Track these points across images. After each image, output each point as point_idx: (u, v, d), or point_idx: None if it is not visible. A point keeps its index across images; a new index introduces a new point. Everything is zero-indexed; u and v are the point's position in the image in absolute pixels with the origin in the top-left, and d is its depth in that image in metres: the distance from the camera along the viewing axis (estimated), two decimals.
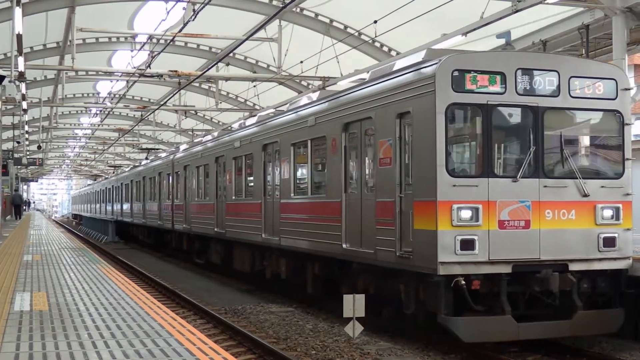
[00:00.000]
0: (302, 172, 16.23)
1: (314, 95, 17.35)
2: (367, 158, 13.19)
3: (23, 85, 24.59)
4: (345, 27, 24.58)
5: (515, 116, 11.74)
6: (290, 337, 13.10)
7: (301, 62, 23.53)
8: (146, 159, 43.34)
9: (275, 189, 17.23)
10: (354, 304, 11.54)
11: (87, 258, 18.76)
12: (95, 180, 77.90)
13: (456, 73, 11.02)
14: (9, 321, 8.88)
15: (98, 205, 58.68)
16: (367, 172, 13.17)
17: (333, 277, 14.68)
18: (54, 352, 7.21)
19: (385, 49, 24.86)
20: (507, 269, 10.97)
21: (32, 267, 15.75)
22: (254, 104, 33.38)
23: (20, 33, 17.49)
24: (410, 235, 11.42)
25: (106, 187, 53.31)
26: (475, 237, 10.86)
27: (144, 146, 52.00)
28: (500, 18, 15.42)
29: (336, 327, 13.61)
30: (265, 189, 17.90)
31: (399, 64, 13.00)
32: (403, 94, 11.81)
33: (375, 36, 19.93)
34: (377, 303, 12.75)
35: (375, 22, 18.43)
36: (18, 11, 16.64)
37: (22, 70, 20.89)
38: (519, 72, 11.36)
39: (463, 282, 10.65)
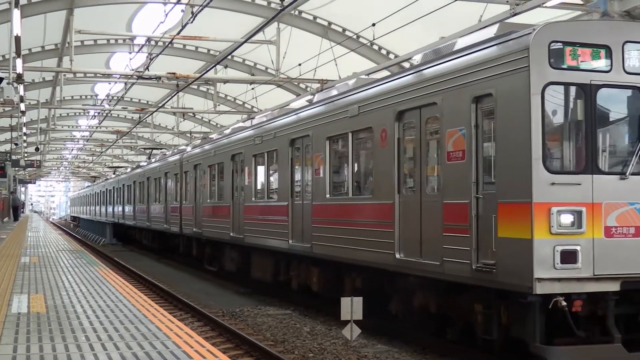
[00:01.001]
0: (341, 169, 14.46)
1: (350, 84, 15.09)
2: (429, 152, 11.33)
3: (21, 87, 24.57)
4: (344, 29, 24.60)
5: (623, 99, 9.86)
6: (287, 339, 13.09)
7: (299, 64, 23.54)
8: (149, 159, 41.91)
9: (305, 190, 15.39)
10: (351, 307, 11.53)
11: (84, 260, 18.75)
12: (94, 181, 76.15)
13: (555, 45, 9.18)
14: (7, 323, 8.87)
15: (98, 208, 56.76)
16: (429, 168, 11.19)
17: (380, 292, 12.66)
18: (52, 354, 7.21)
19: (383, 51, 24.88)
20: (615, 287, 9.20)
21: (30, 270, 15.74)
22: (252, 107, 33.36)
23: (19, 35, 17.48)
24: (492, 244, 9.63)
25: (106, 189, 51.43)
26: (578, 248, 9.08)
27: (143, 148, 51.26)
28: (499, 21, 15.42)
29: (334, 329, 13.61)
30: (293, 190, 16.04)
31: (462, 42, 11.35)
32: (481, 72, 9.91)
33: (374, 39, 19.90)
34: (439, 323, 11.40)
35: (374, 25, 18.44)
36: (16, 13, 16.64)
37: (20, 72, 20.88)
38: (627, 46, 9.46)
39: (564, 303, 8.89)
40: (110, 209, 48.42)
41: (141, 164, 43.14)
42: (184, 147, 33.78)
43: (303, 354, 11.94)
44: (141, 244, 38.44)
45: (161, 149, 44.78)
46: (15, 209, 56.30)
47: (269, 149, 17.61)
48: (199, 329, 14.05)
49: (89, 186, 77.26)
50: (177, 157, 28.44)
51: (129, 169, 46.89)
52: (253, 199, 18.67)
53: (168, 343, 7.75)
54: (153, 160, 37.58)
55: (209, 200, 22.85)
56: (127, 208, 40.72)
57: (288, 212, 16.12)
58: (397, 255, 11.53)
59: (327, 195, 14.32)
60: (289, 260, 16.65)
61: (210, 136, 29.78)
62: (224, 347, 12.32)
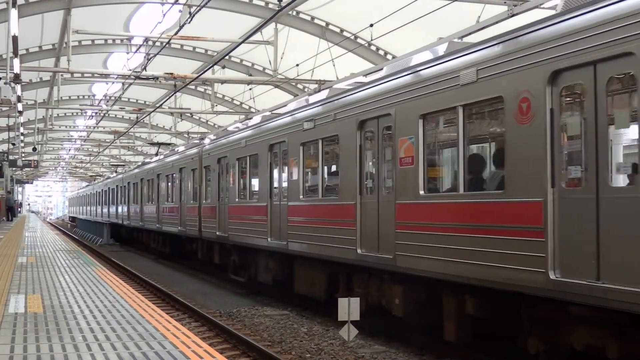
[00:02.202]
0: (444, 156, 11.62)
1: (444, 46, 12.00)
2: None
3: (18, 87, 24.53)
4: (341, 30, 24.60)
5: None
6: (285, 340, 13.09)
7: (297, 65, 23.52)
8: (156, 154, 38.74)
9: (383, 185, 12.24)
10: (349, 308, 11.53)
11: (82, 260, 18.73)
12: (94, 180, 73.65)
13: None
14: (3, 323, 8.86)
15: (99, 208, 54.04)
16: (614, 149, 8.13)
17: (508, 322, 9.85)
18: (48, 354, 7.20)
19: (381, 52, 24.90)
20: None
21: (27, 270, 15.73)
22: (250, 107, 33.36)
23: (16, 35, 17.46)
24: None
25: (109, 188, 48.73)
26: None
27: (150, 143, 46.63)
28: (497, 22, 15.44)
29: (331, 330, 13.61)
30: (362, 185, 12.80)
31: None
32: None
33: (371, 40, 19.88)
34: None
35: (372, 25, 18.43)
36: (14, 13, 16.63)
37: (18, 72, 20.85)
38: None
39: None
40: (113, 209, 45.97)
41: (147, 160, 40.59)
42: (198, 139, 29.98)
43: (300, 354, 11.94)
44: (148, 247, 35.99)
45: (170, 144, 42.00)
46: (9, 209, 56.23)
47: (326, 135, 14.30)
48: (196, 329, 14.05)
49: (88, 185, 75.00)
50: (194, 150, 25.22)
51: (133, 166, 44.13)
52: (301, 197, 15.40)
53: (165, 343, 7.75)
54: (163, 155, 34.10)
55: (237, 200, 19.81)
56: (133, 208, 38.01)
57: (355, 213, 12.80)
58: (553, 276, 8.30)
59: (422, 192, 11.02)
60: (353, 274, 13.50)
61: (233, 126, 26.42)
62: (221, 348, 12.33)
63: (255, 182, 19.00)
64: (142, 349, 7.42)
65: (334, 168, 14.68)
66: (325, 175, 14.98)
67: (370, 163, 12.84)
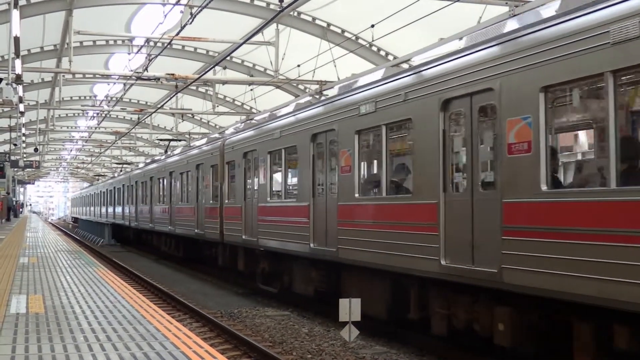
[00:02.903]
0: (582, 141, 9.71)
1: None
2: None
3: (20, 88, 24.56)
4: (343, 31, 24.62)
5: None
6: (286, 340, 13.10)
7: (298, 66, 23.54)
8: (166, 152, 36.87)
9: (477, 179, 9.80)
10: (349, 308, 11.54)
11: (83, 261, 18.75)
12: (97, 180, 70.99)
13: None
14: (5, 324, 8.88)
15: (104, 209, 51.64)
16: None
17: None
18: (50, 354, 7.21)
19: (382, 53, 24.91)
20: None
21: (29, 270, 15.75)
22: (251, 108, 33.39)
23: (18, 35, 17.49)
24: None
25: (115, 187, 46.25)
26: None
27: (159, 139, 44.18)
28: (498, 22, 15.44)
29: (332, 331, 13.62)
30: (447, 180, 10.42)
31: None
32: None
33: (373, 40, 19.91)
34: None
35: (373, 26, 18.46)
36: (15, 13, 16.65)
37: (19, 73, 20.88)
38: None
39: None
40: (119, 210, 43.51)
41: (158, 157, 37.67)
42: (218, 133, 27.13)
43: (301, 355, 11.95)
44: (159, 250, 33.31)
45: (180, 140, 39.58)
46: (9, 209, 56.30)
47: (390, 120, 11.89)
48: (197, 330, 14.06)
49: (92, 185, 73.08)
50: (215, 144, 22.52)
51: (141, 164, 41.67)
52: (356, 195, 12.97)
53: (166, 344, 7.76)
54: (176, 151, 31.86)
55: (269, 199, 17.33)
56: (141, 209, 35.34)
57: (438, 215, 10.41)
58: None
59: (545, 187, 8.61)
60: (429, 290, 11.16)
61: (260, 117, 23.52)
62: (222, 348, 12.34)
63: (292, 179, 16.60)
64: (144, 350, 7.43)
65: (403, 159, 12.44)
66: (391, 169, 12.41)
67: (460, 152, 10.46)
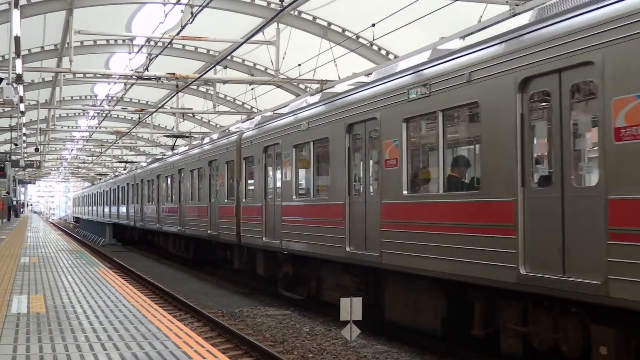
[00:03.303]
0: None
1: None
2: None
3: (21, 88, 24.56)
4: (343, 30, 24.61)
5: None
6: (287, 340, 13.10)
7: (299, 65, 23.53)
8: (172, 148, 35.35)
9: (569, 173, 8.25)
10: (351, 307, 11.53)
11: (84, 261, 18.75)
12: (99, 179, 69.15)
13: None
14: (6, 324, 8.87)
15: (107, 209, 49.96)
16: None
17: None
18: (51, 354, 7.21)
19: (383, 52, 24.90)
20: None
21: (30, 270, 15.74)
22: (252, 107, 33.39)
23: (18, 35, 17.49)
24: None
25: (118, 186, 44.67)
26: None
27: (166, 135, 42.24)
28: (498, 22, 15.44)
29: (333, 330, 13.62)
30: (527, 174, 8.90)
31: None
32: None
33: (373, 39, 19.90)
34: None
35: (374, 25, 18.44)
36: (16, 13, 16.64)
37: (20, 73, 20.88)
38: None
39: None
40: (123, 209, 42.07)
41: (165, 154, 36.07)
42: (236, 127, 25.13)
43: (302, 354, 11.95)
44: (166, 252, 32.01)
45: (187, 136, 38.16)
46: (9, 209, 56.35)
47: (451, 104, 10.31)
48: (199, 329, 14.06)
49: (93, 184, 71.26)
50: (230, 139, 20.82)
51: (145, 163, 39.96)
52: (405, 192, 11.27)
53: (167, 343, 7.75)
54: (185, 148, 30.45)
55: (295, 198, 15.73)
56: (147, 209, 33.91)
57: (515, 214, 8.88)
58: None
59: None
60: (498, 302, 9.65)
61: (278, 110, 21.47)
62: (224, 348, 12.34)
63: (323, 175, 14.92)
64: (145, 349, 7.42)
65: (465, 151, 11.36)
66: (450, 161, 10.89)
67: (543, 140, 9.32)
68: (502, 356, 10.00)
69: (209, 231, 22.36)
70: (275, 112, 23.64)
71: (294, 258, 16.11)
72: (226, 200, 20.74)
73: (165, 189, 30.00)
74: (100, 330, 8.51)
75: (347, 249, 13.00)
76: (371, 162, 12.68)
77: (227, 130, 25.45)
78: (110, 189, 48.92)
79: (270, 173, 17.42)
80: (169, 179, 29.37)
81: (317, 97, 16.79)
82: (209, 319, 14.98)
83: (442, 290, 10.67)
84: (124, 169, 51.02)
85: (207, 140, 26.44)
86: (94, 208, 60.21)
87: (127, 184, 40.33)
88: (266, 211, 17.41)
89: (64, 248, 23.98)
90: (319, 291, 15.19)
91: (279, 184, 16.71)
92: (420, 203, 11.00)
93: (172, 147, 36.11)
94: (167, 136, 39.50)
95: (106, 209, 50.64)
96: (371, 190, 12.61)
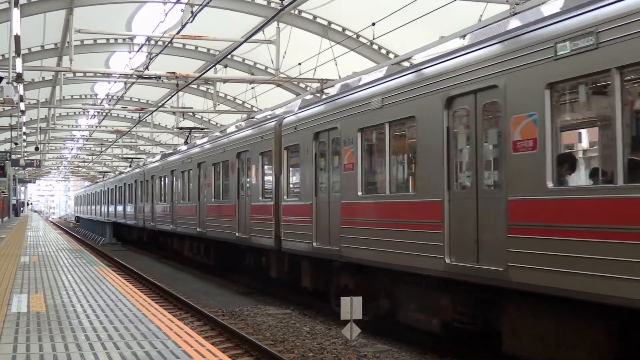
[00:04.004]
0: None
1: None
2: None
3: (21, 87, 24.57)
4: (344, 29, 24.61)
5: None
6: (287, 339, 13.09)
7: (299, 64, 23.54)
8: (185, 143, 32.46)
9: None
10: (351, 307, 11.52)
11: (84, 260, 18.75)
12: (103, 176, 65.27)
13: None
14: (6, 323, 8.87)
15: (111, 207, 47.26)
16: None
17: None
18: (51, 354, 7.20)
19: (383, 51, 24.89)
20: None
21: (30, 269, 15.74)
22: (252, 106, 33.39)
23: (18, 34, 17.48)
24: None
25: (124, 184, 41.87)
26: None
27: (178, 128, 38.49)
28: (499, 21, 15.43)
29: (333, 329, 13.60)
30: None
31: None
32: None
33: (374, 38, 19.90)
34: None
35: (374, 24, 18.44)
36: (16, 12, 16.64)
37: (20, 72, 20.88)
38: None
39: None
40: (130, 208, 39.40)
41: (180, 147, 32.20)
42: (269, 113, 22.05)
43: (303, 353, 11.94)
44: (180, 255, 28.67)
45: (203, 128, 35.58)
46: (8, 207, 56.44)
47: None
48: (199, 329, 14.05)
49: (96, 182, 67.40)
50: (266, 125, 17.92)
51: (157, 157, 36.39)
52: (550, 185, 8.38)
53: (168, 342, 7.75)
54: (202, 141, 26.64)
55: (362, 194, 12.87)
56: (159, 208, 31.05)
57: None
58: None
59: None
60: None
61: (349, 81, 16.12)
62: (224, 347, 12.33)
63: (405, 166, 12.29)
64: (145, 348, 7.42)
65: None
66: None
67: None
68: (502, 356, 10.01)
69: (237, 234, 19.56)
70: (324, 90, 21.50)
71: (356, 268, 13.18)
72: (260, 199, 17.84)
73: (181, 186, 26.95)
74: (101, 329, 8.50)
75: (448, 260, 10.17)
76: (489, 146, 9.79)
77: (259, 118, 21.72)
78: (115, 186, 46.15)
79: (323, 164, 14.52)
80: (186, 175, 26.29)
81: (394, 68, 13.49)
82: (209, 318, 14.98)
83: (610, 320, 8.05)
84: (130, 166, 47.87)
85: (232, 129, 23.24)
86: (97, 207, 57.39)
87: (135, 181, 37.59)
88: (318, 211, 14.53)
89: (64, 247, 23.98)
90: (394, 311, 12.27)
91: (336, 177, 13.89)
92: (595, 199, 7.84)
93: (186, 141, 33.08)
94: (181, 129, 36.16)
95: (110, 208, 48.09)
96: (486, 184, 9.73)
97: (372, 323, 12.77)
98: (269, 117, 19.23)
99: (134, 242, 40.61)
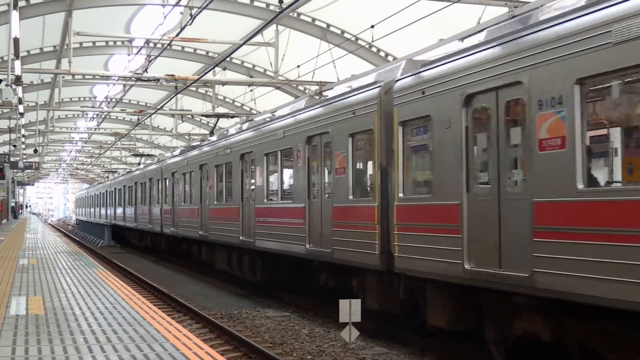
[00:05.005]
0: None
1: None
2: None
3: (20, 89, 24.55)
4: (342, 32, 24.61)
5: None
6: (286, 341, 13.09)
7: (298, 66, 23.54)
8: (211, 133, 29.23)
9: None
10: (350, 309, 11.52)
11: (83, 262, 18.74)
12: (107, 177, 60.97)
13: None
14: (5, 325, 8.87)
15: (120, 210, 43.24)
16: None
17: None
18: (50, 356, 7.20)
19: (382, 54, 24.90)
20: None
21: (28, 271, 15.74)
22: (251, 109, 33.38)
23: (17, 37, 17.47)
24: None
25: (135, 183, 37.69)
26: None
27: (203, 115, 32.68)
28: (497, 24, 15.44)
29: (332, 332, 13.60)
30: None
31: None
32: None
33: (372, 41, 19.90)
34: None
35: (372, 27, 18.44)
36: (15, 15, 16.63)
37: (19, 74, 20.87)
38: None
39: None
40: (142, 210, 35.26)
41: (209, 138, 27.71)
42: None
43: (301, 356, 11.94)
44: (211, 268, 24.04)
45: (234, 115, 30.11)
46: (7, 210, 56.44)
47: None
48: (197, 331, 14.05)
49: (100, 183, 62.54)
50: (362, 95, 13.10)
51: (176, 151, 32.71)
52: None
53: (166, 345, 7.75)
54: (244, 127, 22.13)
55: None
56: (183, 211, 26.41)
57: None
58: None
59: None
60: None
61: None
62: (222, 349, 12.33)
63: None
64: (144, 351, 7.42)
65: None
66: None
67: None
68: (502, 356, 10.00)
69: (308, 245, 14.94)
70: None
71: (554, 306, 8.72)
72: (352, 197, 13.33)
73: (215, 185, 22.45)
74: (99, 332, 8.50)
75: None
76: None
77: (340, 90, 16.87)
78: (124, 186, 41.60)
79: (485, 143, 9.80)
80: (220, 170, 21.85)
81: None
82: (208, 320, 14.97)
83: None
84: (138, 164, 43.00)
85: (285, 111, 18.85)
86: (102, 210, 52.75)
87: (150, 179, 33.11)
88: (471, 215, 9.87)
89: (62, 249, 23.96)
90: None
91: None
92: None
93: (211, 132, 29.39)
94: (206, 116, 30.29)
95: (118, 211, 43.67)
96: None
97: (372, 325, 12.77)
98: (370, 81, 13.66)
99: (147, 250, 36.04)
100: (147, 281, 22.37)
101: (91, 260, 19.69)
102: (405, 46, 21.08)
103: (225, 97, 35.95)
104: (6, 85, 22.31)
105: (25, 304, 10.76)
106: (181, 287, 21.59)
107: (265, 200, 17.79)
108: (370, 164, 13.22)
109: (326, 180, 14.39)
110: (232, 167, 20.54)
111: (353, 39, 23.87)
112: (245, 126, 22.16)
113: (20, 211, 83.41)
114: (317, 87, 23.20)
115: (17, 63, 19.96)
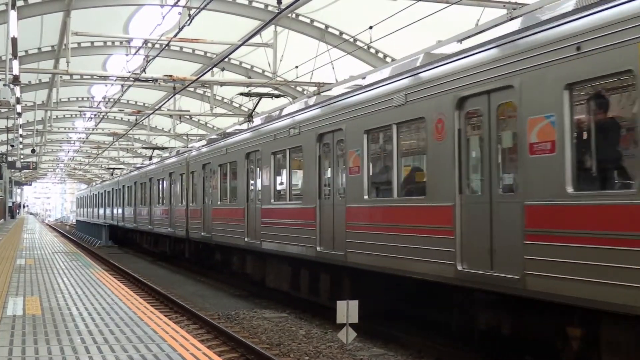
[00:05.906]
0: None
1: None
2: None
3: (17, 89, 24.53)
4: (341, 33, 24.63)
5: None
6: (283, 342, 13.08)
7: (296, 67, 23.54)
8: (249, 119, 23.98)
9: None
10: (347, 310, 11.51)
11: (80, 262, 18.72)
12: (112, 174, 53.74)
13: None
14: (2, 326, 8.86)
15: (130, 210, 37.78)
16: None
17: None
18: (47, 357, 7.19)
19: (380, 55, 24.92)
20: None
21: (25, 272, 15.72)
22: (249, 109, 33.36)
23: (15, 36, 17.47)
24: None
25: (150, 179, 32.48)
26: None
27: (245, 89, 24.97)
28: (496, 25, 15.46)
29: (329, 333, 13.60)
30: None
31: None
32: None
33: (371, 42, 19.92)
34: None
35: (371, 28, 18.45)
36: (13, 14, 16.63)
37: (17, 74, 20.86)
38: None
39: None
40: (159, 211, 30.31)
41: (253, 121, 22.89)
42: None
43: (299, 357, 11.93)
44: (259, 284, 18.95)
45: (280, 95, 24.27)
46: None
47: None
48: (195, 332, 14.04)
49: (105, 180, 55.07)
50: (491, 52, 9.55)
51: (200, 142, 28.69)
52: None
53: (164, 346, 7.74)
54: (294, 107, 17.75)
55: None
56: (214, 214, 21.91)
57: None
58: None
59: None
60: None
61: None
62: (220, 350, 12.32)
63: None
64: (141, 352, 7.41)
65: None
66: None
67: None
68: (501, 356, 10.01)
69: (458, 263, 9.98)
70: None
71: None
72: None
73: (259, 180, 17.92)
74: (96, 332, 8.49)
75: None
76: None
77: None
78: (135, 183, 36.35)
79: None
80: (270, 162, 16.98)
81: None
82: (205, 321, 14.96)
83: None
84: (150, 158, 39.15)
85: (350, 84, 16.17)
86: (108, 211, 47.35)
87: (170, 174, 28.28)
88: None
89: (60, 250, 23.95)
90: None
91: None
92: None
93: (250, 116, 24.66)
94: (244, 94, 24.57)
95: (127, 211, 38.75)
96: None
97: (369, 327, 12.77)
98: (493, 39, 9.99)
99: (165, 258, 31.22)
100: (144, 282, 22.35)
101: (88, 261, 19.67)
102: (403, 47, 21.09)
103: (223, 98, 35.99)
104: (4, 85, 22.28)
105: (22, 304, 10.75)
106: (179, 287, 21.58)
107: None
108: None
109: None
110: (304, 153, 14.97)
111: (351, 40, 23.88)
112: (293, 107, 17.99)
113: (18, 211, 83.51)
114: (315, 88, 23.20)
115: (15, 63, 19.95)
